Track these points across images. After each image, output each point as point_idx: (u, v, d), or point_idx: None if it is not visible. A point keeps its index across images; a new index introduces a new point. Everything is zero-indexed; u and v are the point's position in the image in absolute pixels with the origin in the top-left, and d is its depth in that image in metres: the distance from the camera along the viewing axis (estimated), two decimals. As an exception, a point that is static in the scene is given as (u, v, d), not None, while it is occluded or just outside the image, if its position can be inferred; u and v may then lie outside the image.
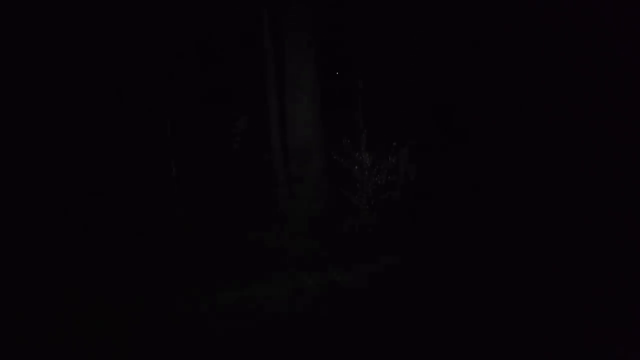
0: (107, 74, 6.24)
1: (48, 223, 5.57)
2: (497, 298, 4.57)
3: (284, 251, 5.44)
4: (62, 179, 5.88)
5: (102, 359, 3.61)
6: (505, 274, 5.12)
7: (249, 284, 4.82)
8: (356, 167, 5.67)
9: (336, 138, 5.86)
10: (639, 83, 6.82)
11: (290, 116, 6.62)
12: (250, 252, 5.50)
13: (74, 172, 5.98)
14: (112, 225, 5.81)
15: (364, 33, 6.95)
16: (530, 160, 6.99)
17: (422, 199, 6.17)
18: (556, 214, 6.40)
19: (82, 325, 3.95)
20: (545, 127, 7.05)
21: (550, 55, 7.02)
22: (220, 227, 6.05)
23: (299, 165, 6.55)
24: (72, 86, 6.09)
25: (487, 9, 6.88)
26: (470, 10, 6.82)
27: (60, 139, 6.01)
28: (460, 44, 6.92)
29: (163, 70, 6.58)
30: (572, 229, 6.09)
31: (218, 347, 3.78)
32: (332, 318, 4.28)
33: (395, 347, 3.72)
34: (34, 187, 5.74)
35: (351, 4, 6.98)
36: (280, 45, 6.67)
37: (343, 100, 7.06)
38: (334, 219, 5.95)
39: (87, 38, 6.11)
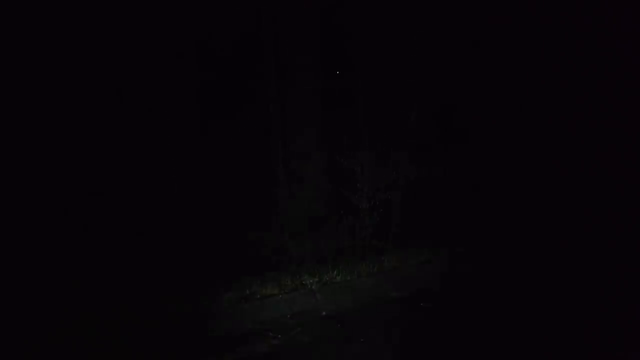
0: (107, 74, 6.22)
1: (48, 223, 5.55)
2: (496, 297, 4.58)
3: (284, 251, 5.43)
4: (62, 179, 5.86)
5: (103, 358, 3.61)
6: (505, 273, 5.13)
7: (250, 284, 4.83)
8: (356, 167, 5.66)
9: (336, 137, 5.85)
10: (639, 83, 6.82)
11: (290, 115, 6.61)
12: (250, 252, 5.50)
13: (74, 172, 5.96)
14: (112, 225, 5.79)
15: (364, 32, 6.93)
16: (530, 160, 6.99)
17: (422, 199, 6.17)
18: (556, 214, 6.40)
19: (82, 325, 3.95)
20: (545, 127, 7.05)
21: (550, 55, 7.01)
22: (220, 227, 6.04)
23: (299, 165, 6.55)
24: (72, 86, 6.07)
25: (487, 9, 6.87)
26: (470, 10, 6.82)
27: (60, 138, 5.99)
28: (460, 44, 6.91)
29: (163, 70, 6.56)
30: (572, 228, 6.09)
31: (218, 347, 3.78)
32: (332, 318, 4.29)
33: (394, 346, 3.72)
34: (34, 187, 5.73)
35: (352, 3, 6.96)
36: (281, 43, 6.66)
37: (343, 99, 7.05)
38: (334, 219, 5.94)
39: (88, 38, 6.09)
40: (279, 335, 3.93)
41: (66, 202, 5.78)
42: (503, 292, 4.67)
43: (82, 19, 5.97)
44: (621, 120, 6.91)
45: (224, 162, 6.94)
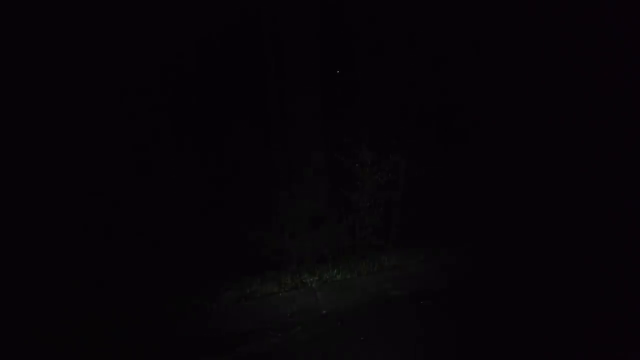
0: (107, 74, 6.22)
1: (48, 223, 5.56)
2: (496, 296, 4.58)
3: (284, 250, 5.44)
4: (62, 179, 5.86)
5: (103, 358, 3.61)
6: (504, 273, 5.13)
7: (250, 283, 4.83)
8: (357, 166, 5.67)
9: (337, 137, 5.86)
10: (639, 83, 6.83)
11: (290, 114, 6.62)
12: (250, 251, 5.50)
13: (74, 172, 5.96)
14: (113, 225, 5.80)
15: (365, 32, 6.94)
16: (529, 160, 7.00)
17: (422, 198, 6.17)
18: (555, 214, 6.41)
19: (83, 325, 3.95)
20: (543, 127, 7.05)
21: (551, 55, 7.02)
22: (221, 227, 6.04)
23: (299, 164, 6.55)
24: (72, 86, 6.07)
25: (488, 9, 6.88)
26: (471, 10, 6.82)
27: (60, 139, 5.99)
28: (461, 43, 6.92)
29: (163, 69, 6.56)
30: (571, 228, 6.10)
31: (219, 346, 3.79)
32: (332, 316, 4.28)
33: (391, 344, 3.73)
34: (34, 187, 5.73)
35: (352, 3, 6.97)
36: (280, 44, 6.67)
37: (343, 99, 7.06)
38: (334, 219, 5.94)
39: (88, 37, 6.09)
40: (279, 334, 3.93)
41: (66, 202, 5.78)
42: (503, 291, 4.66)
43: (82, 17, 5.98)
44: (620, 120, 6.92)
45: (224, 162, 6.95)
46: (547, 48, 6.98)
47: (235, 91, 7.16)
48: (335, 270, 5.10)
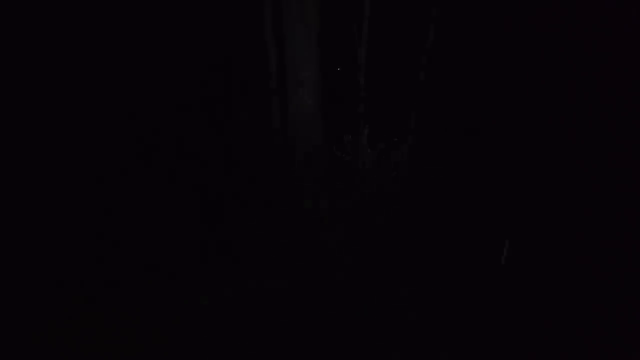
0: (106, 73, 6.21)
1: (48, 223, 5.55)
2: (496, 294, 4.59)
3: (285, 249, 5.45)
4: (62, 179, 5.86)
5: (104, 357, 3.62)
6: (504, 271, 5.14)
7: (254, 281, 4.83)
8: (357, 164, 5.68)
9: (338, 134, 5.87)
10: (639, 83, 6.82)
11: (291, 111, 6.61)
12: (251, 250, 5.51)
13: (74, 171, 5.96)
14: (113, 224, 5.80)
15: (366, 29, 6.93)
16: (530, 159, 7.01)
17: (423, 196, 6.18)
18: (557, 214, 6.42)
19: (83, 325, 3.95)
20: (545, 126, 7.06)
21: (552, 55, 7.02)
22: (221, 226, 6.04)
23: (299, 162, 6.55)
24: (71, 85, 6.06)
25: (490, 9, 6.87)
26: (472, 10, 6.82)
27: (60, 139, 5.99)
28: (463, 42, 6.92)
29: (162, 66, 6.55)
30: (571, 227, 6.11)
31: (222, 341, 3.80)
32: (333, 312, 4.30)
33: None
34: (34, 187, 5.72)
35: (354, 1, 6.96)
36: (281, 37, 6.65)
37: (344, 95, 7.05)
38: (335, 217, 5.94)
39: (87, 37, 6.07)
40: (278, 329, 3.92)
41: (64, 199, 5.77)
42: (502, 290, 4.68)
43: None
44: (621, 119, 6.92)
45: (223, 161, 6.94)
46: (548, 47, 6.98)
47: (234, 86, 7.15)
48: (335, 268, 5.10)
